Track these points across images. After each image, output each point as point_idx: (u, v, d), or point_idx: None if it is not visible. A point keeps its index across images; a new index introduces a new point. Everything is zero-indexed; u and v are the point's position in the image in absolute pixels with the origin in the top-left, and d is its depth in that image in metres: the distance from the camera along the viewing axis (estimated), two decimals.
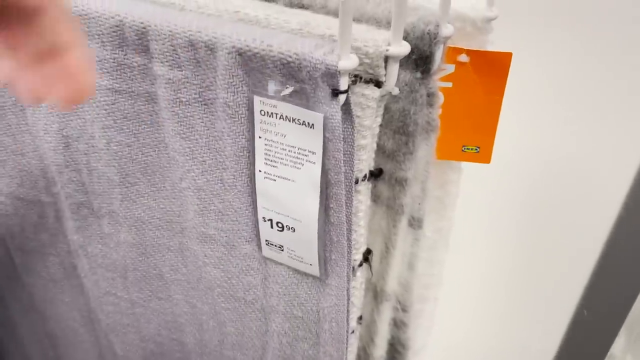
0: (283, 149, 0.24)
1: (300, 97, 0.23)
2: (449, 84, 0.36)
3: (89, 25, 0.25)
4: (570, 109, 0.50)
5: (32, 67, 0.16)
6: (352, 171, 0.24)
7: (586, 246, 0.57)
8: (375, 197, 0.30)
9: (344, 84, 0.22)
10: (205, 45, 0.24)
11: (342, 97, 0.22)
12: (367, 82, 0.24)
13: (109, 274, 0.37)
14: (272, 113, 0.24)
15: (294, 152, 0.24)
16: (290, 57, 0.22)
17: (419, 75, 0.27)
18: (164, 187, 0.28)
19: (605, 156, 0.52)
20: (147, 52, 0.25)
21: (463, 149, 0.38)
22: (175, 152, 0.27)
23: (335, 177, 0.24)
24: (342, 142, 0.23)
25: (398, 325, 0.42)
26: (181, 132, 0.27)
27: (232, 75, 0.24)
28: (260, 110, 0.24)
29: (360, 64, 0.23)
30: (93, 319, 0.43)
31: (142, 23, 0.24)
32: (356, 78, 0.24)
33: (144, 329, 0.41)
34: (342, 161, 0.24)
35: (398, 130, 0.28)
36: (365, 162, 0.26)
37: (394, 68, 0.24)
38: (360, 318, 0.34)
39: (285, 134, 0.24)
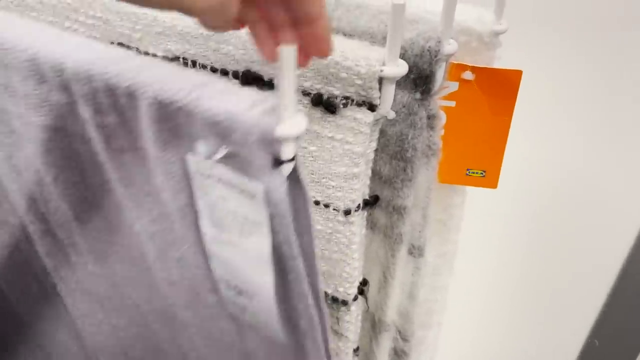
0: (227, 214, 0.20)
1: (237, 162, 0.19)
2: (452, 103, 0.34)
3: (6, 57, 0.22)
4: (582, 127, 0.47)
5: (289, 30, 0.20)
6: (312, 240, 0.20)
7: (599, 272, 0.55)
8: (372, 225, 0.27)
9: (287, 152, 0.17)
10: (125, 92, 0.20)
11: (287, 166, 0.18)
12: (359, 104, 0.21)
13: (86, 297, 0.34)
14: (209, 175, 0.20)
15: (239, 219, 0.20)
16: (219, 115, 0.18)
17: (418, 95, 0.24)
18: (120, 227, 0.25)
19: (620, 176, 0.49)
20: (69, 91, 0.21)
21: (467, 172, 0.35)
22: (122, 197, 0.24)
23: (289, 251, 0.20)
24: (292, 218, 0.19)
25: (399, 354, 0.40)
26: (121, 179, 0.23)
27: (159, 130, 0.20)
28: (196, 171, 0.20)
29: (352, 85, 0.20)
30: (80, 336, 0.41)
31: (57, 59, 0.21)
32: (347, 100, 0.21)
33: (130, 352, 0.38)
34: (296, 235, 0.19)
35: (395, 155, 0.25)
36: (358, 191, 0.24)
37: (390, 90, 0.21)
38: (356, 350, 0.32)
39: (227, 198, 0.20)
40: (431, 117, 0.25)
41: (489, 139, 0.35)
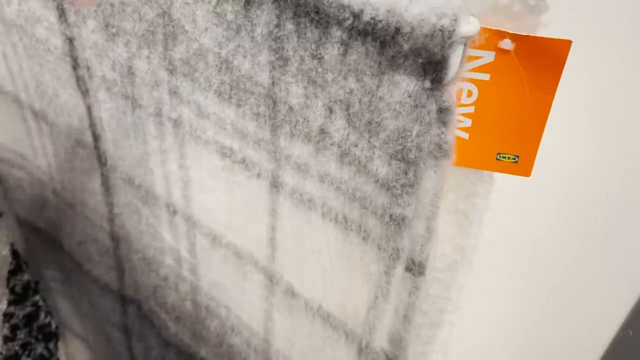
0: None
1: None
2: (486, 76, 0.28)
3: None
4: (634, 116, 0.40)
5: None
6: None
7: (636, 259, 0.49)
8: (364, 235, 0.23)
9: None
10: None
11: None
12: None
13: None
14: None
15: None
16: None
17: (427, 84, 0.19)
18: None
19: None
20: None
21: (498, 157, 0.30)
22: None
23: None
24: None
25: None
26: None
27: None
28: None
29: None
30: None
31: None
32: None
33: None
34: None
35: (395, 155, 0.21)
36: None
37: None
38: None
39: None
40: (443, 111, 0.20)
41: (525, 119, 0.29)
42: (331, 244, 0.24)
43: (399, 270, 0.23)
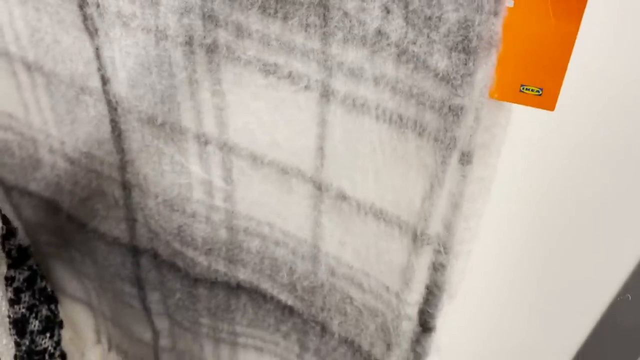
0: None
1: None
2: (511, 3, 0.29)
3: None
4: None
5: None
6: None
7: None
8: (420, 130, 0.24)
9: None
10: None
11: None
12: None
13: None
14: None
15: None
16: None
17: None
18: None
19: None
20: None
21: (522, 89, 0.32)
22: None
23: None
24: None
25: (437, 268, 0.38)
26: None
27: None
28: None
29: None
30: None
31: None
32: None
33: None
34: None
35: (456, 46, 0.21)
36: None
37: None
38: None
39: None
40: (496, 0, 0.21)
41: (550, 50, 0.30)
42: (385, 144, 0.25)
43: (454, 159, 0.24)
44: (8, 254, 0.47)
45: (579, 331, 0.59)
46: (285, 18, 0.26)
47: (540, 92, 0.32)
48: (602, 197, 0.51)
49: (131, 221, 0.40)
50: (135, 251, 0.41)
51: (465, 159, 0.26)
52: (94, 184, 0.43)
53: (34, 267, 0.49)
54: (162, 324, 0.48)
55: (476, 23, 0.21)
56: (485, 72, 0.24)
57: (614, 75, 0.43)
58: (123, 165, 0.40)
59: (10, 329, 0.46)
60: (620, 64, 0.42)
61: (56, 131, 0.46)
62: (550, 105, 0.32)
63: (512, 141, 0.35)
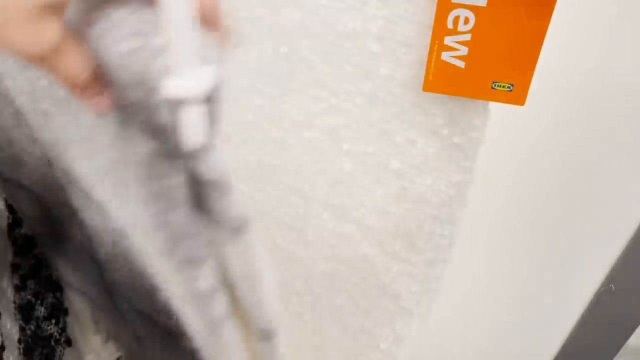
0: None
1: None
2: (483, 2, 0.29)
3: None
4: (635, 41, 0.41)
5: None
6: None
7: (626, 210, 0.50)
8: None
9: None
10: None
11: None
12: None
13: None
14: None
15: None
16: None
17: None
18: None
19: None
20: None
21: (493, 85, 0.32)
22: None
23: None
24: None
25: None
26: None
27: None
28: None
29: None
30: None
31: None
32: None
33: None
34: None
35: None
36: None
37: None
38: None
39: None
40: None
41: (521, 46, 0.30)
42: None
43: None
44: (14, 242, 0.49)
45: (565, 321, 0.59)
46: None
47: (511, 88, 0.32)
48: (584, 192, 0.51)
49: None
50: None
51: None
52: None
53: (40, 255, 0.51)
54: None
55: None
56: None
57: (584, 71, 0.43)
58: None
59: (15, 314, 0.48)
60: (591, 60, 0.42)
61: None
62: (520, 100, 0.32)
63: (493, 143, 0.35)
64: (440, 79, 0.32)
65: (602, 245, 0.53)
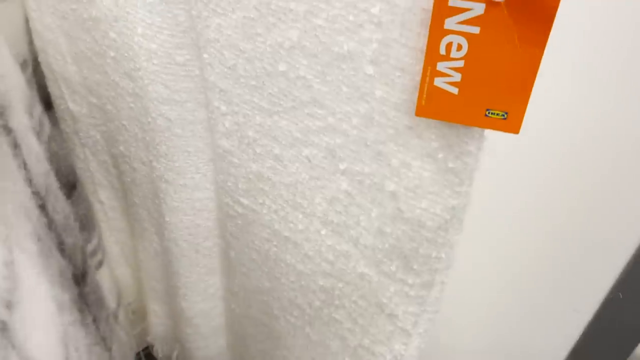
0: None
1: None
2: (476, 29, 0.29)
3: None
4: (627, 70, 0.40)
5: None
6: None
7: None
8: None
9: None
10: None
11: None
12: None
13: None
14: None
15: None
16: None
17: None
18: None
19: None
20: None
21: (487, 113, 0.31)
22: None
23: None
24: None
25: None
26: None
27: None
28: None
29: None
30: None
31: None
32: None
33: None
34: None
35: None
36: None
37: None
38: None
39: None
40: None
41: (515, 74, 0.30)
42: None
43: None
44: None
45: (573, 329, 0.58)
46: None
47: (506, 116, 0.31)
48: (591, 200, 0.50)
49: None
50: None
51: None
52: None
53: None
54: None
55: None
56: None
57: (578, 100, 0.42)
58: None
59: None
60: (584, 88, 0.41)
61: None
62: (515, 128, 0.31)
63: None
64: (433, 105, 0.31)
65: (609, 253, 0.53)
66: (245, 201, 0.51)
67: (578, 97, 0.43)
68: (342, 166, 0.41)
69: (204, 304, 0.64)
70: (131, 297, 0.75)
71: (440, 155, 0.34)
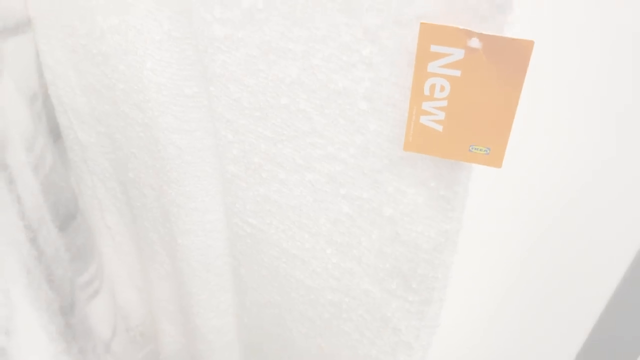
0: None
1: None
2: (457, 72, 0.31)
3: None
4: (604, 109, 0.42)
5: None
6: None
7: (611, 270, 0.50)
8: None
9: None
10: None
11: None
12: None
13: None
14: None
15: None
16: None
17: None
18: None
19: None
20: None
21: (470, 149, 0.33)
22: None
23: None
24: None
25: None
26: None
27: None
28: None
29: None
30: None
31: None
32: None
33: None
34: None
35: None
36: None
37: None
38: None
39: None
40: None
41: (495, 113, 0.32)
42: None
43: None
44: None
45: (575, 337, 0.59)
46: None
47: (488, 152, 0.33)
48: (588, 209, 0.51)
49: None
50: None
51: None
52: None
53: None
54: None
55: None
56: None
57: (557, 135, 0.44)
58: None
59: None
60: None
61: None
62: (497, 162, 0.33)
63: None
64: (419, 141, 0.33)
65: (608, 264, 0.53)
66: (253, 221, 0.54)
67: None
68: (342, 191, 0.43)
69: (217, 320, 0.67)
70: (138, 319, 0.78)
71: (432, 184, 0.36)
